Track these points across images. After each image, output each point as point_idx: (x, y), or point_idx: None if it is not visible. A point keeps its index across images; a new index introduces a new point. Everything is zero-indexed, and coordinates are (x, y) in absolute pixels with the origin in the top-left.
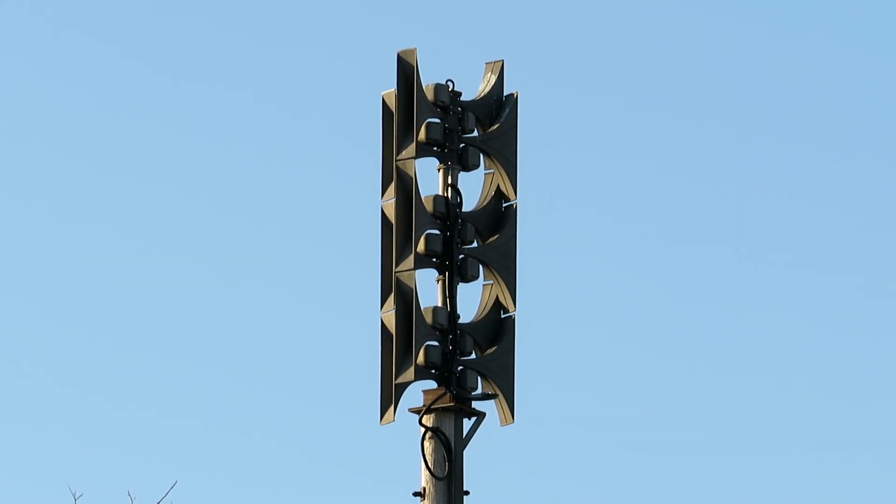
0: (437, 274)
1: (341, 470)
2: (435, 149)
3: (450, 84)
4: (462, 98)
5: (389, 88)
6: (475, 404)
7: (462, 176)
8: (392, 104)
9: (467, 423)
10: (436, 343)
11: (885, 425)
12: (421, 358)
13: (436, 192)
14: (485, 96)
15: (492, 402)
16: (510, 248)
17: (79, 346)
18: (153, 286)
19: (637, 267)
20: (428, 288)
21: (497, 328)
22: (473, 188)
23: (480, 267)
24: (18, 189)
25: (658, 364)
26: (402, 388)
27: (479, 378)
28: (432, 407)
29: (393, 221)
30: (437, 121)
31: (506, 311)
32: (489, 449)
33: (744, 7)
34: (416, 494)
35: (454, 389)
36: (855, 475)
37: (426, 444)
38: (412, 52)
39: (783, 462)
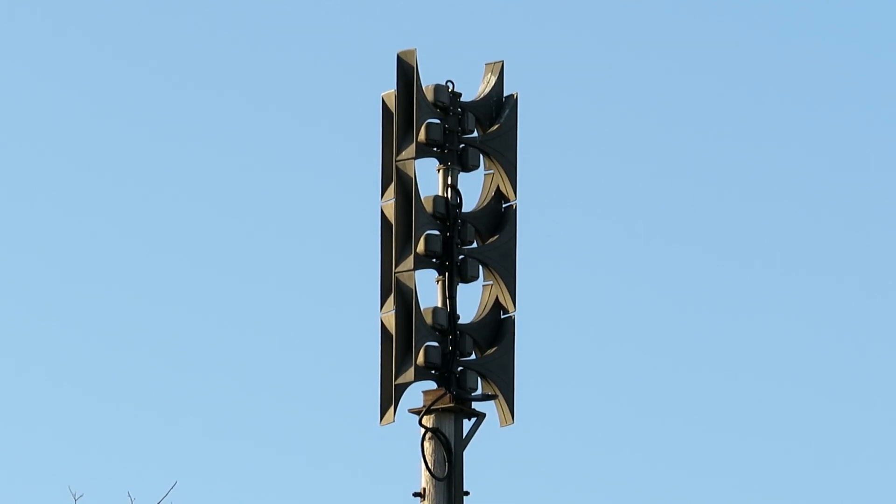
0: (436, 274)
1: (341, 471)
2: (435, 149)
3: (450, 85)
4: (462, 99)
5: (389, 89)
6: (475, 405)
7: (462, 176)
8: (392, 105)
9: (467, 424)
10: (436, 343)
11: (885, 425)
12: (421, 358)
13: (436, 193)
14: (485, 97)
15: (492, 402)
16: (510, 248)
17: (79, 346)
18: (153, 287)
19: (637, 267)
20: (428, 288)
21: (497, 329)
22: (473, 188)
23: (480, 267)
24: (18, 189)
25: (657, 365)
26: (402, 388)
27: (478, 379)
28: (432, 407)
29: (393, 222)
30: (437, 121)
31: (506, 311)
32: (489, 449)
33: (743, 8)
34: (416, 495)
35: (454, 390)
36: (855, 475)
37: (426, 444)
38: (412, 52)
39: (782, 462)
